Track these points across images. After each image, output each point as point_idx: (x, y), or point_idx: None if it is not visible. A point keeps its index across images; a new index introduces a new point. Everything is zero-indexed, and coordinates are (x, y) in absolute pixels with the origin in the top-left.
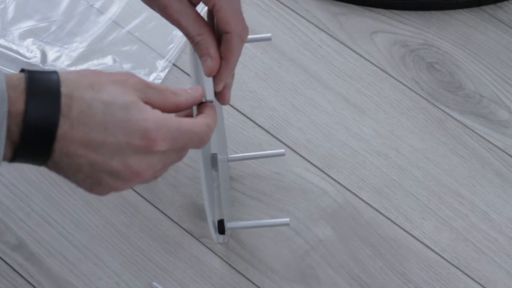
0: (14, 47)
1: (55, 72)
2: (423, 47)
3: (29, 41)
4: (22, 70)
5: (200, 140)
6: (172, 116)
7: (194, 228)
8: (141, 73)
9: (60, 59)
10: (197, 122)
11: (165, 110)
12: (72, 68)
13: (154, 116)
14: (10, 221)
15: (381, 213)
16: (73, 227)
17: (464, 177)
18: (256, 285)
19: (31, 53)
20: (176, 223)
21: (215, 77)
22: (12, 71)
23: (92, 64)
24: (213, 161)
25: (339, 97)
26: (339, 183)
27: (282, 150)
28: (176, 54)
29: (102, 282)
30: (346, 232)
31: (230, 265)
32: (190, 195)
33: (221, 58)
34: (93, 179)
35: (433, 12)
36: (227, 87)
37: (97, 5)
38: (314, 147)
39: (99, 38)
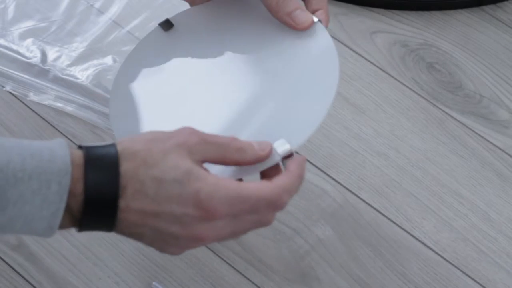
0: (14, 47)
1: (112, 146)
2: (423, 47)
3: (29, 41)
4: (80, 147)
5: (270, 204)
6: (231, 180)
7: None
8: None
9: (60, 59)
10: (265, 186)
11: (225, 164)
12: (72, 68)
13: (207, 184)
14: None
15: (381, 213)
16: None
17: (464, 177)
18: (256, 285)
19: (31, 53)
20: None
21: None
22: (12, 71)
23: (92, 64)
24: None
25: (339, 97)
26: (339, 183)
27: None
28: None
29: (102, 282)
30: (346, 232)
31: (230, 265)
32: None
33: None
34: (160, 242)
35: (433, 12)
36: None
37: (97, 5)
38: (314, 147)
39: (99, 38)
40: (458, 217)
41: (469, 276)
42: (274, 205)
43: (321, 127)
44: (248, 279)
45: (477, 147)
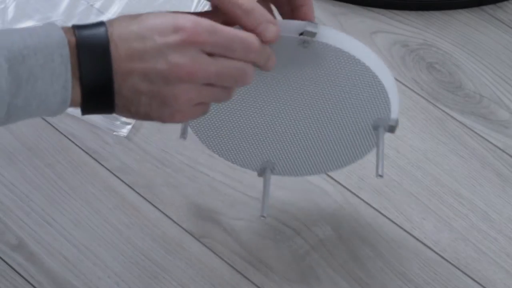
0: None
1: (101, 24)
2: (423, 47)
3: None
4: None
5: (244, 44)
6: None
7: (194, 228)
8: None
9: None
10: (239, 30)
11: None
12: None
13: (185, 15)
14: (10, 221)
15: (381, 213)
16: (73, 227)
17: (464, 177)
18: (256, 285)
19: None
20: (176, 223)
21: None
22: None
23: None
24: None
25: None
26: (339, 183)
27: None
28: None
29: (102, 282)
30: (346, 232)
31: (230, 265)
32: (190, 195)
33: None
34: (155, 97)
35: (433, 12)
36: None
37: (97, 5)
38: None
39: None
40: (458, 217)
41: (469, 276)
42: (249, 47)
43: None
44: (248, 279)
45: (477, 147)
